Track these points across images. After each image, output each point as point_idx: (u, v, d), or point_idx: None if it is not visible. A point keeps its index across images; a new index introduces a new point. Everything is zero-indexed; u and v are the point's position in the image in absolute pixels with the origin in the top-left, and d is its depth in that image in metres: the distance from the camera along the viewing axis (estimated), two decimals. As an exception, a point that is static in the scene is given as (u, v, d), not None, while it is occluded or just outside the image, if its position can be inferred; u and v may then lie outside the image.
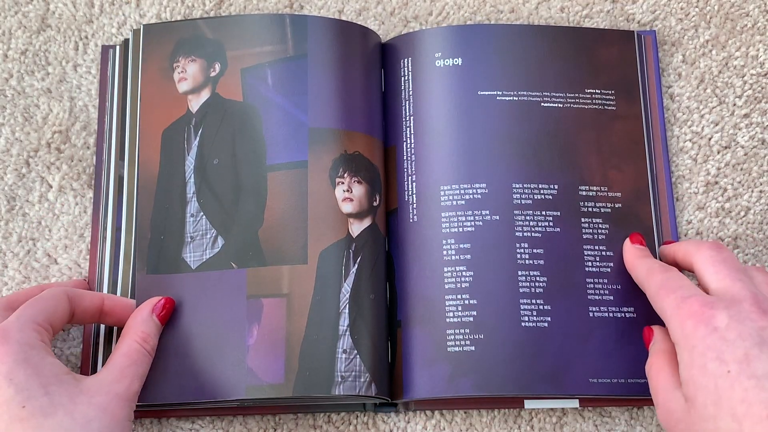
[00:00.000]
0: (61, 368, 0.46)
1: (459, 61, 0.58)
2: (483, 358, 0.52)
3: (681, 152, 0.60)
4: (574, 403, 0.54)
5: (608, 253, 0.55)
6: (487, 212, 0.54)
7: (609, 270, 0.54)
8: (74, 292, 0.50)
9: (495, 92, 0.57)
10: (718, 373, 0.40)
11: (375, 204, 0.55)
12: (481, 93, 0.57)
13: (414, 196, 0.56)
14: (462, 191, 0.55)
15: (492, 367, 0.51)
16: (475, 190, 0.55)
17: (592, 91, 0.58)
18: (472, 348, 0.52)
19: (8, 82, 0.61)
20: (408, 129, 0.57)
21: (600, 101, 0.58)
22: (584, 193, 0.56)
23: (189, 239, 0.54)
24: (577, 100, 0.58)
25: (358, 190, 0.55)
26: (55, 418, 0.43)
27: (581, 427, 0.55)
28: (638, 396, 0.52)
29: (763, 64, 0.61)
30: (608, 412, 0.55)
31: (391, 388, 0.53)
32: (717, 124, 0.61)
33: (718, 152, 0.60)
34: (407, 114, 0.57)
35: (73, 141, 0.60)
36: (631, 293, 0.53)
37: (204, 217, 0.54)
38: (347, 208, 0.54)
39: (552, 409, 0.55)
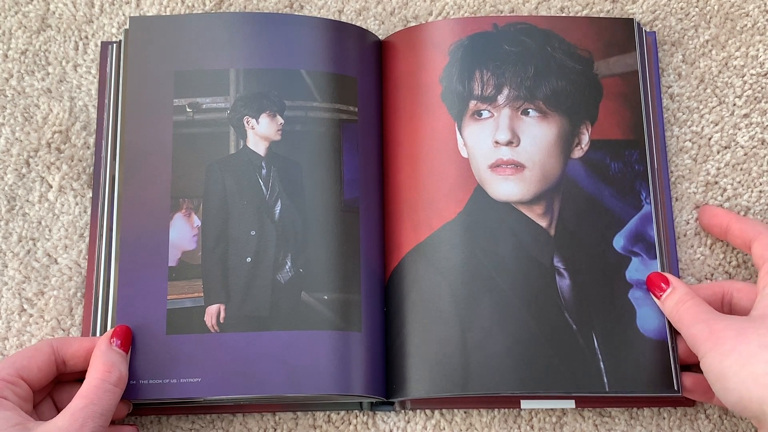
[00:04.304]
0: (11, 421, 0.45)
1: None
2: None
3: (681, 152, 0.60)
4: (570, 404, 0.54)
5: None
6: None
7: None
8: (60, 339, 0.50)
9: None
10: None
11: None
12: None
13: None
14: None
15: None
16: None
17: None
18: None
19: (8, 82, 0.61)
20: None
21: None
22: None
23: None
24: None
25: None
26: None
27: (581, 427, 0.55)
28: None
29: (763, 64, 0.62)
30: (608, 412, 0.55)
31: (388, 386, 0.53)
32: (717, 124, 0.61)
33: (718, 152, 0.60)
34: None
35: (73, 141, 0.60)
36: None
37: None
38: None
39: (552, 408, 0.55)
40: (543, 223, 0.55)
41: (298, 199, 0.55)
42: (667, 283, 0.52)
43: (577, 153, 0.57)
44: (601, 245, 0.55)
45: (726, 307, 0.53)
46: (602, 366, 0.52)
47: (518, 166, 0.56)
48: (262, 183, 0.55)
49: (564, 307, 0.53)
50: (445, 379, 0.52)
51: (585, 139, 0.57)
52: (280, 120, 0.56)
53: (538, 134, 0.56)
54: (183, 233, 0.55)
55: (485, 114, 0.57)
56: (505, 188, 0.55)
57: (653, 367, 0.52)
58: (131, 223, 0.54)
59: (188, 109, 0.56)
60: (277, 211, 0.55)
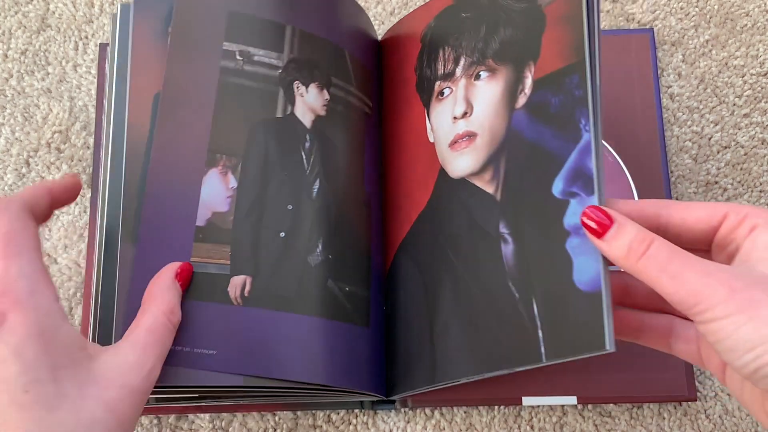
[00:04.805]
0: (75, 340, 0.39)
1: None
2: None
3: (681, 152, 0.60)
4: (572, 400, 0.54)
5: None
6: None
7: None
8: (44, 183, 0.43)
9: None
10: None
11: None
12: None
13: None
14: None
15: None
16: None
17: None
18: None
19: (8, 82, 0.61)
20: None
21: None
22: None
23: None
24: None
25: None
26: (59, 413, 0.36)
27: (581, 427, 0.55)
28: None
29: (763, 64, 0.62)
30: (608, 412, 0.55)
31: (389, 384, 0.53)
32: (717, 124, 0.61)
33: (718, 152, 0.60)
34: None
35: (73, 141, 0.60)
36: None
37: None
38: None
39: (552, 408, 0.55)
40: (491, 189, 0.50)
41: (333, 183, 0.52)
42: (609, 218, 0.40)
43: (521, 101, 0.50)
44: (541, 196, 0.46)
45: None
46: (540, 334, 0.44)
47: (471, 137, 0.52)
48: (304, 156, 0.52)
49: (508, 275, 0.48)
50: (418, 373, 0.51)
51: (528, 82, 0.50)
52: (326, 95, 0.53)
53: (486, 95, 0.52)
54: (216, 192, 0.50)
55: (446, 92, 0.54)
56: (459, 163, 0.52)
57: (587, 326, 0.41)
58: (160, 171, 0.49)
59: (239, 57, 0.52)
60: (315, 190, 0.52)
